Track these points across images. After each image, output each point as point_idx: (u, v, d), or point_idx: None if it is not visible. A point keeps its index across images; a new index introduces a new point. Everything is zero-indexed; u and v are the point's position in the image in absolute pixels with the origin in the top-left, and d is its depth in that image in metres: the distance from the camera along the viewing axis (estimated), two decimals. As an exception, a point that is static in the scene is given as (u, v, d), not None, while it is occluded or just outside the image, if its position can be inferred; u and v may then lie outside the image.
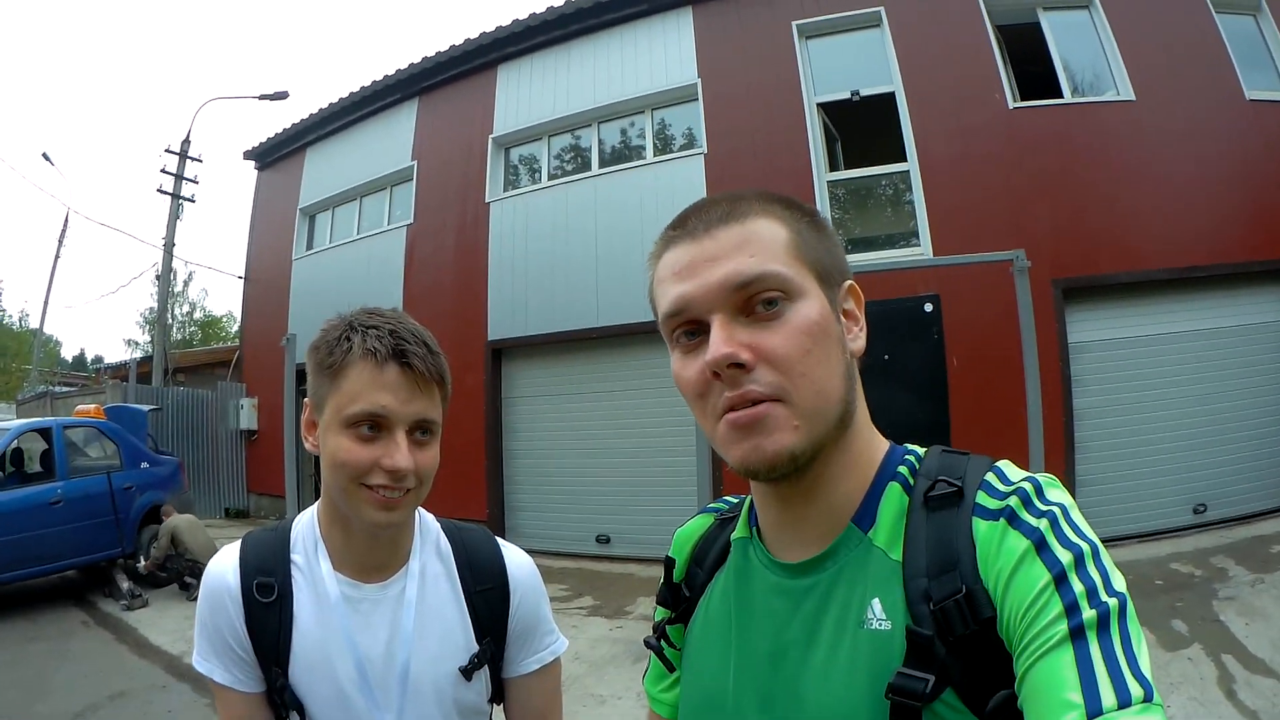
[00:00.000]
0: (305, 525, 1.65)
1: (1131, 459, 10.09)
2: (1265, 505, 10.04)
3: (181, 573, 10.52)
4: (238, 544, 1.65)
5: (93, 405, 13.23)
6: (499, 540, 1.81)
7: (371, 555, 1.60)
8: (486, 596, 1.70)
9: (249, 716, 1.56)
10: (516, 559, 1.78)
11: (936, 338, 10.44)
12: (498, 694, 1.76)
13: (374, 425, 1.47)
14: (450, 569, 1.70)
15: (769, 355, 1.00)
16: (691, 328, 1.06)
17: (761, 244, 1.04)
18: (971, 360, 10.28)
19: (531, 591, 1.77)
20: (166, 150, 21.30)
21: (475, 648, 1.65)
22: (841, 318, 1.09)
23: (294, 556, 1.61)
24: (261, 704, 1.56)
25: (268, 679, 1.54)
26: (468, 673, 1.63)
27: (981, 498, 0.99)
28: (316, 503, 1.68)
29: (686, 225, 1.09)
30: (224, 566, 1.59)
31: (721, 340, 1.00)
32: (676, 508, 11.00)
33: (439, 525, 1.77)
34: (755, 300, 1.02)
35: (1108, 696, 0.79)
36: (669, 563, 1.36)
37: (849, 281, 1.13)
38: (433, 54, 15.97)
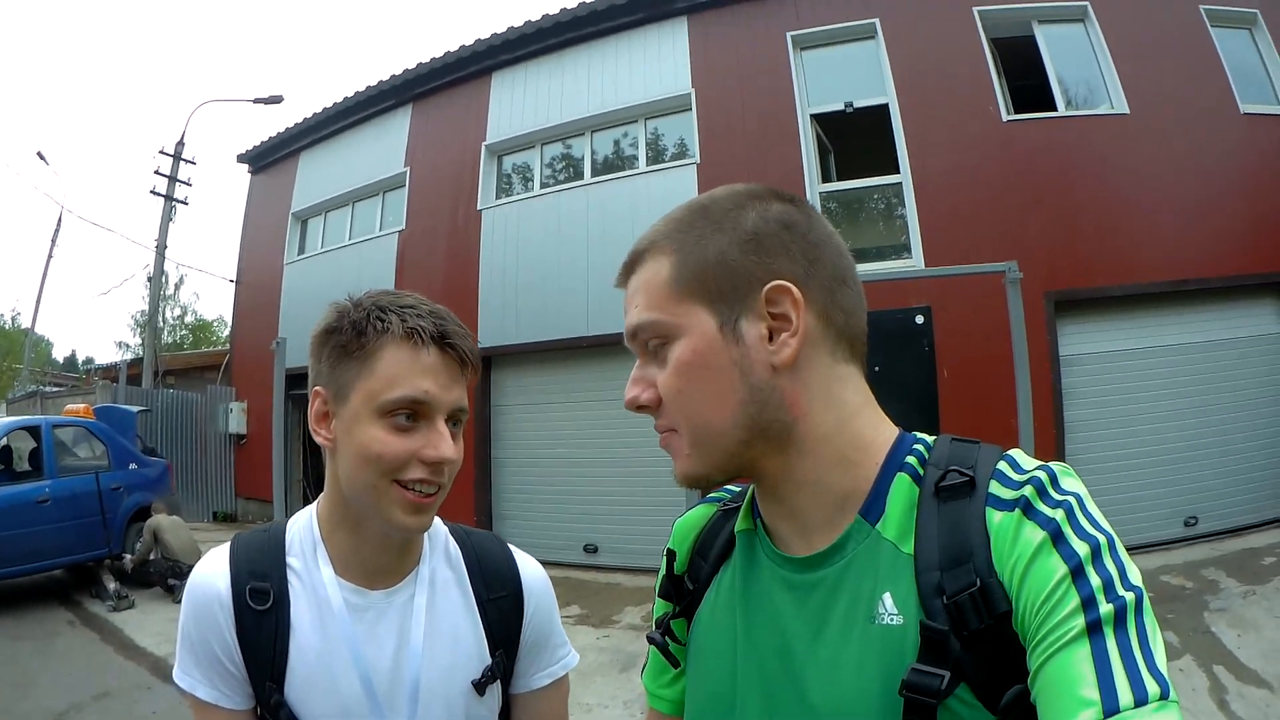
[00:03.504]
0: (302, 527, 1.52)
1: (1123, 471, 10.07)
2: (1256, 518, 10.03)
3: (164, 574, 10.48)
4: (226, 547, 1.51)
5: (82, 405, 13.24)
6: (511, 547, 1.72)
7: (380, 560, 1.49)
8: (499, 605, 1.60)
9: None
10: (530, 567, 1.69)
11: (927, 349, 10.45)
12: (504, 711, 1.64)
13: (412, 414, 1.36)
14: (461, 575, 1.60)
15: (660, 393, 1.08)
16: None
17: (645, 293, 1.10)
18: (962, 372, 10.28)
19: (545, 601, 1.68)
20: (160, 152, 21.31)
21: (488, 660, 1.55)
22: (763, 327, 1.04)
23: (290, 560, 1.48)
24: None
25: (259, 695, 1.41)
26: (480, 686, 1.52)
27: (995, 488, 0.98)
28: (315, 503, 1.56)
29: (621, 270, 1.17)
30: (212, 572, 1.45)
31: (629, 384, 1.11)
32: (664, 518, 10.86)
33: (447, 529, 1.66)
34: (648, 346, 1.10)
35: (1124, 694, 0.78)
36: (670, 554, 1.32)
37: (774, 283, 1.04)
38: (427, 60, 15.98)
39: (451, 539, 1.65)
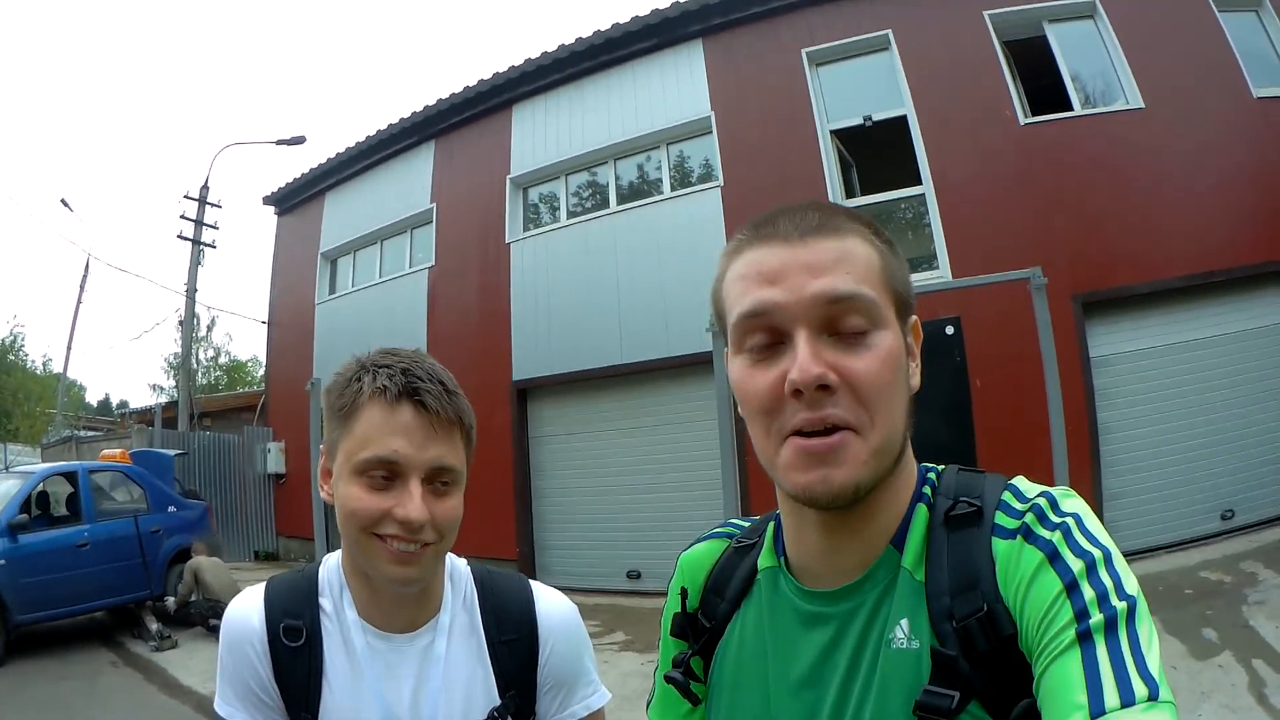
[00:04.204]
0: (332, 569, 1.57)
1: (1158, 469, 10.02)
2: (1294, 507, 9.95)
3: (205, 615, 10.60)
4: (261, 586, 1.56)
5: (118, 450, 13.35)
6: (536, 587, 1.70)
7: (396, 609, 1.51)
8: (512, 647, 1.59)
9: None
10: (550, 609, 1.67)
11: (959, 360, 10.41)
12: None
13: (388, 473, 1.37)
14: (474, 618, 1.60)
15: (854, 381, 0.98)
16: (767, 337, 1.02)
17: (858, 264, 1.02)
18: (995, 380, 10.26)
19: (566, 642, 1.65)
20: (185, 196, 21.43)
21: (497, 701, 1.55)
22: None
23: (322, 601, 1.52)
24: None
25: None
26: None
27: (1000, 518, 1.01)
28: (342, 548, 1.57)
29: (777, 226, 1.05)
30: (247, 609, 1.50)
31: (810, 358, 0.96)
32: (706, 540, 10.87)
33: (470, 571, 1.67)
34: (841, 321, 0.99)
35: (1111, 697, 0.80)
36: (682, 592, 1.31)
37: (914, 316, 1.11)
38: (447, 96, 16.10)
39: (471, 582, 1.65)
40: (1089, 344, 10.38)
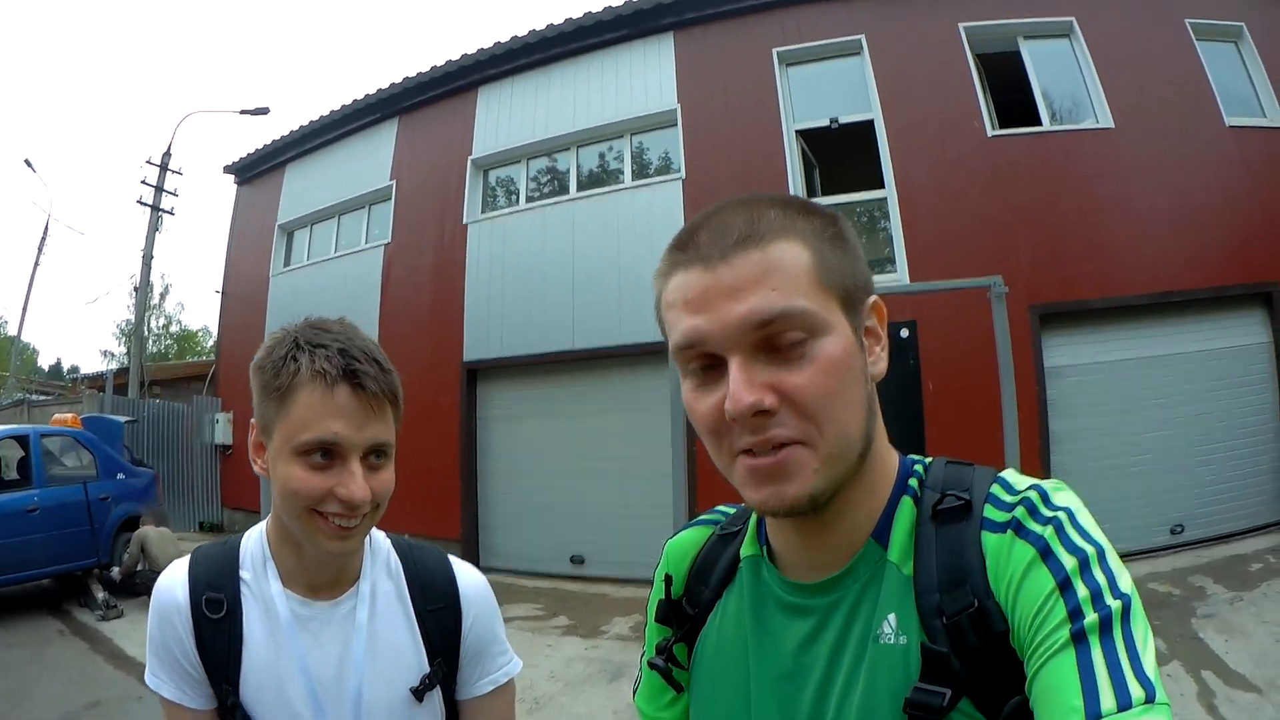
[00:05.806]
0: (254, 541, 1.61)
1: (1108, 481, 10.11)
2: (1243, 525, 10.08)
3: (149, 585, 10.37)
4: (187, 559, 1.60)
5: (70, 414, 13.18)
6: (451, 558, 1.77)
7: (322, 574, 1.56)
8: (438, 616, 1.66)
9: None
10: (469, 578, 1.74)
11: (912, 363, 10.43)
12: (451, 717, 1.71)
13: (327, 453, 1.40)
14: (400, 588, 1.66)
15: (793, 398, 0.94)
16: (706, 361, 0.99)
17: (784, 274, 0.96)
18: (947, 385, 10.29)
19: (485, 611, 1.72)
20: (147, 162, 21.22)
21: (426, 668, 1.61)
22: (864, 339, 1.03)
23: (243, 573, 1.56)
24: None
25: (218, 695, 1.49)
26: (419, 694, 1.58)
27: (989, 511, 0.99)
28: (266, 519, 1.63)
29: (699, 246, 1.00)
30: (172, 582, 1.55)
31: (744, 387, 0.93)
32: (650, 528, 10.94)
33: (389, 542, 1.72)
34: (776, 339, 0.95)
35: (1107, 699, 0.79)
36: (666, 579, 1.31)
37: (873, 298, 1.06)
38: (414, 74, 15.99)
39: (394, 552, 1.71)
40: (1044, 355, 10.48)
